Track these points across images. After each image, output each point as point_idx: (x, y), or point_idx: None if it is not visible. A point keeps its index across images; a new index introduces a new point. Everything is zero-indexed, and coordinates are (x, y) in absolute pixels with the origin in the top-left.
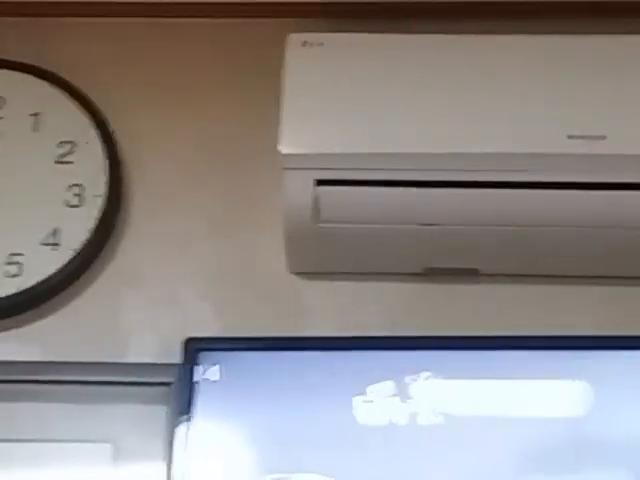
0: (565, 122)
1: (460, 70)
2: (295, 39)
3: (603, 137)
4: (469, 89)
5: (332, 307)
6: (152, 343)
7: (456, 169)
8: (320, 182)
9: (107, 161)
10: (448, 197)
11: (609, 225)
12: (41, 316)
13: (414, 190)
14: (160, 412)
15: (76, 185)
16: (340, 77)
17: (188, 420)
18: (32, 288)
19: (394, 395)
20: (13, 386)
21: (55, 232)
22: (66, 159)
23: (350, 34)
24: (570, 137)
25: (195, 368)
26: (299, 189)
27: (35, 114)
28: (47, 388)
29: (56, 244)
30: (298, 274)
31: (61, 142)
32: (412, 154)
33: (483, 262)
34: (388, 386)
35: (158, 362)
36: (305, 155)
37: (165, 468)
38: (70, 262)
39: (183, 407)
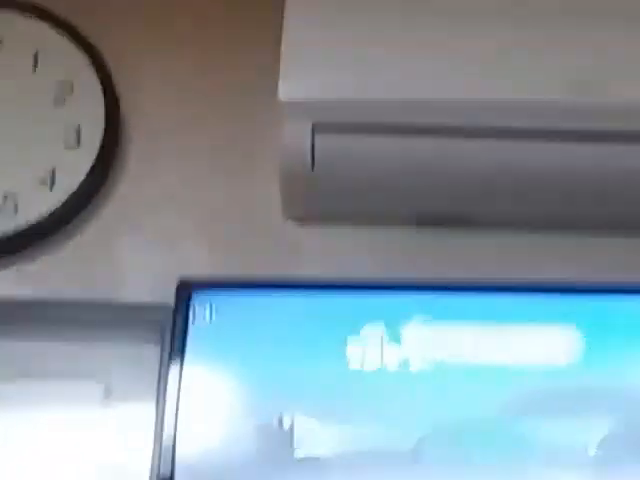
0: (565, 69)
1: (464, 15)
2: None
3: (604, 83)
4: (472, 34)
5: (327, 252)
6: (147, 284)
7: (454, 117)
8: (318, 129)
9: (105, 102)
10: (445, 145)
11: (604, 175)
12: (36, 256)
13: (411, 138)
14: (153, 353)
15: (74, 127)
16: (340, 23)
17: (180, 361)
18: (27, 227)
19: (385, 338)
20: (6, 325)
21: (52, 172)
22: (64, 100)
23: None
24: (570, 83)
25: (188, 308)
26: (297, 136)
27: (34, 54)
28: (40, 327)
29: (53, 184)
30: (294, 220)
31: (59, 82)
32: (410, 101)
33: (480, 211)
34: (380, 329)
35: (153, 302)
36: (303, 102)
37: (156, 409)
38: (66, 202)
39: (176, 348)
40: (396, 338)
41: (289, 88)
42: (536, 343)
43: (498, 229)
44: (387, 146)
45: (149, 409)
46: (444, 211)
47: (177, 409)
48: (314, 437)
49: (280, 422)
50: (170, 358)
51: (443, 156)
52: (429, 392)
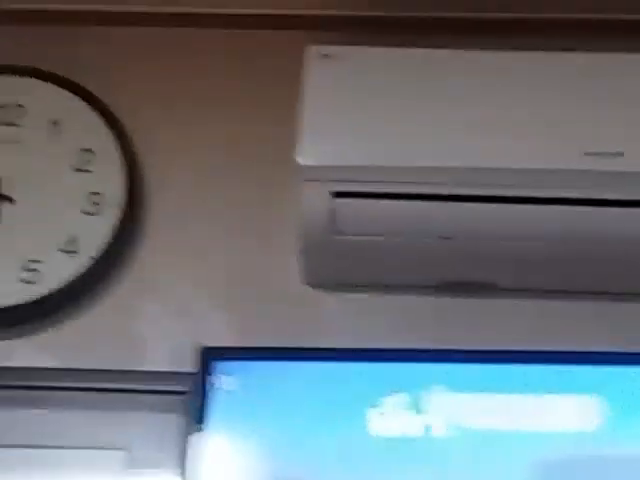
0: (582, 139)
1: (478, 85)
2: (314, 51)
3: (621, 154)
4: (488, 104)
5: (347, 319)
6: (167, 352)
7: (474, 184)
8: (337, 194)
9: (125, 170)
10: (465, 211)
11: (626, 241)
12: (57, 323)
13: (431, 204)
14: (174, 421)
15: (95, 193)
16: (358, 90)
17: (202, 429)
18: (49, 295)
19: (408, 408)
20: (29, 392)
21: (73, 239)
22: (85, 167)
23: (368, 47)
24: (587, 154)
25: (210, 377)
26: (316, 200)
27: (55, 122)
28: (62, 395)
29: (74, 251)
30: (313, 286)
31: (80, 150)
32: (429, 167)
33: (500, 277)
34: (402, 398)
35: (173, 370)
36: (323, 167)
37: (178, 478)
38: (87, 270)
39: (197, 416)
40: (418, 406)
41: (309, 153)
42: (558, 412)
43: (519, 296)
44: (406, 211)
45: (172, 477)
46: (463, 278)
47: (199, 477)
48: None
49: None
50: (192, 426)
51: (461, 222)
52: (452, 460)
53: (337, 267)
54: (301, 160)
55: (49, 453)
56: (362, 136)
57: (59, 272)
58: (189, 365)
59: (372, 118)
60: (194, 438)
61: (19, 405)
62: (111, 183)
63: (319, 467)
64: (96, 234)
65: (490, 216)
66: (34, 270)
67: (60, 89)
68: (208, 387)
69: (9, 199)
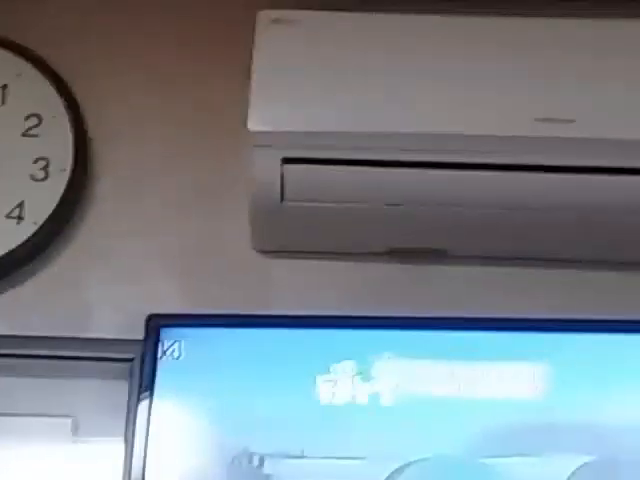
0: (534, 105)
1: (430, 51)
2: (265, 16)
3: (572, 121)
4: (439, 70)
5: (296, 285)
6: (115, 319)
7: (423, 149)
8: (287, 160)
9: (73, 135)
10: (415, 177)
11: (575, 208)
12: (4, 289)
13: (381, 170)
14: (122, 388)
15: (42, 159)
16: (309, 55)
17: (149, 397)
18: None
19: (356, 375)
20: None
21: (20, 205)
22: (32, 132)
23: (319, 12)
24: (538, 120)
25: (157, 344)
26: (266, 167)
27: (3, 86)
28: (9, 362)
29: (20, 217)
30: (263, 252)
31: (28, 115)
32: (379, 133)
33: (450, 243)
34: (350, 365)
35: (121, 338)
36: (273, 133)
37: (125, 444)
38: (34, 235)
39: (145, 383)
40: (367, 373)
41: (259, 119)
42: (506, 378)
43: (469, 263)
44: (356, 177)
45: (118, 443)
46: (415, 244)
47: (146, 444)
48: (284, 473)
49: (250, 458)
50: (139, 393)
51: (411, 188)
52: (399, 426)
53: (287, 234)
54: (251, 126)
55: None
56: (312, 102)
57: (6, 238)
58: (137, 332)
59: (323, 84)
60: (141, 405)
61: None
62: (59, 149)
63: (266, 434)
64: (43, 200)
65: (439, 183)
66: None
67: (9, 53)
68: (155, 354)
69: None
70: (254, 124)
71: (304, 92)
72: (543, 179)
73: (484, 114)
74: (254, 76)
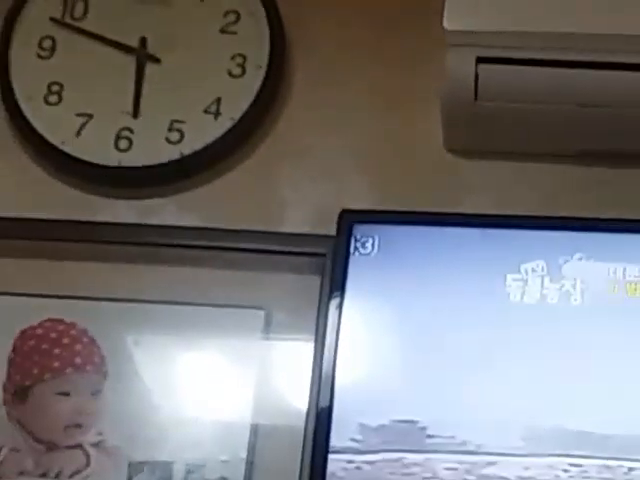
0: None
1: None
2: None
3: None
4: None
5: (487, 185)
6: (308, 214)
7: (618, 50)
8: (481, 59)
9: (270, 32)
10: (609, 78)
11: None
12: (200, 183)
13: (574, 71)
14: (313, 282)
15: (239, 55)
16: None
17: (341, 294)
18: (193, 154)
19: (546, 274)
20: (171, 250)
21: (217, 101)
22: (231, 29)
23: None
24: None
25: (350, 240)
26: (460, 66)
27: None
28: (204, 254)
29: (218, 113)
30: (454, 151)
31: (227, 12)
32: (574, 34)
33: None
34: (541, 265)
35: (313, 233)
36: (468, 32)
37: (315, 340)
38: (230, 131)
39: (337, 279)
40: (555, 274)
41: (455, 18)
42: None
43: None
44: (549, 78)
45: (308, 337)
46: (604, 147)
47: (337, 340)
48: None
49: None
50: (331, 290)
51: (604, 90)
52: (589, 325)
53: (479, 133)
54: (447, 25)
55: (189, 310)
56: (508, 2)
57: (204, 133)
58: (330, 228)
59: None
60: (332, 301)
61: (161, 262)
62: (256, 46)
63: (456, 332)
64: (240, 96)
65: (634, 84)
66: (178, 130)
67: None
68: (348, 250)
69: (156, 59)
70: (450, 23)
71: None
72: None
73: None
74: None
